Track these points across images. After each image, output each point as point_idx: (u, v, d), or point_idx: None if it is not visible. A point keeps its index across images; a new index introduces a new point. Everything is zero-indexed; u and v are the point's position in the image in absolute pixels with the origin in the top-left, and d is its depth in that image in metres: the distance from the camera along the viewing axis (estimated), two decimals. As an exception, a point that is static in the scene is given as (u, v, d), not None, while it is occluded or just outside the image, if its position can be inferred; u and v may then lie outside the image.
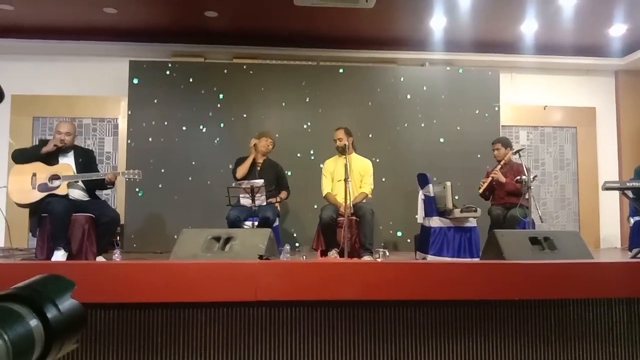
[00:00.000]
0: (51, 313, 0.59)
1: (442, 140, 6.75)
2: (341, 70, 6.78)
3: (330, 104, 6.68)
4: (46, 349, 0.58)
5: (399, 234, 6.55)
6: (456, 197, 4.99)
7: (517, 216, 4.75)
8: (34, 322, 0.57)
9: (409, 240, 6.26)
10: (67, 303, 0.62)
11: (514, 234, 3.38)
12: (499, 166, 5.24)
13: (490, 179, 5.18)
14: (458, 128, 6.76)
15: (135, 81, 6.49)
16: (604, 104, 7.51)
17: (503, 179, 5.10)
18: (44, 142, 4.41)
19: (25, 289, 0.60)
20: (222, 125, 6.57)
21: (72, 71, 6.83)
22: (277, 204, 4.90)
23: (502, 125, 6.97)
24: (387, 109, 6.75)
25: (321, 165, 5.32)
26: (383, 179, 6.32)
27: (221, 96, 6.59)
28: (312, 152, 6.47)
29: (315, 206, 5.56)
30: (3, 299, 0.58)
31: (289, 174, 5.66)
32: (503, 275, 2.67)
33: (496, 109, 6.86)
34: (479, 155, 6.61)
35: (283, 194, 5.05)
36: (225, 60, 6.94)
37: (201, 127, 6.54)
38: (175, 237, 5.64)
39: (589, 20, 6.12)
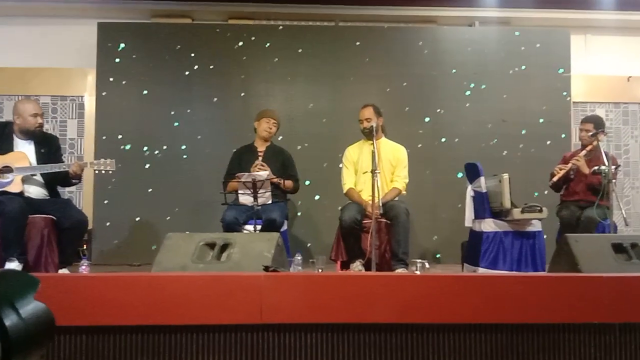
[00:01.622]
0: (10, 319, 0.57)
1: (496, 121, 6.69)
2: (365, 33, 6.75)
3: (353, 77, 6.66)
4: None
5: (441, 240, 6.51)
6: (515, 192, 4.94)
7: (594, 217, 4.69)
8: None
9: (454, 250, 6.21)
10: (31, 307, 0.60)
11: (592, 240, 3.34)
12: (584, 152, 5.16)
13: (570, 165, 5.11)
14: (517, 106, 6.70)
15: (105, 49, 6.52)
16: None
17: (586, 169, 5.02)
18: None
19: None
20: (215, 103, 6.58)
21: (27, 37, 6.88)
22: (281, 184, 4.83)
23: (573, 102, 6.89)
24: (426, 82, 6.70)
25: (339, 155, 5.30)
26: (420, 171, 6.28)
27: (212, 67, 6.60)
28: (329, 137, 6.46)
29: (335, 206, 5.55)
30: None
31: (301, 165, 5.65)
32: (578, 293, 2.64)
33: (566, 81, 6.77)
34: (543, 141, 6.54)
35: (288, 183, 4.99)
36: (218, 20, 6.94)
37: (188, 107, 6.56)
38: (154, 247, 5.67)
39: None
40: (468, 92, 6.72)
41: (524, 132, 6.65)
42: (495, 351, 2.60)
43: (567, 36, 6.87)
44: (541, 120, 6.62)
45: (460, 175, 6.16)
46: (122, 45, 6.54)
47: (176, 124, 6.54)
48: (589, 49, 7.31)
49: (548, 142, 6.47)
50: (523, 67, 6.76)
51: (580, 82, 7.10)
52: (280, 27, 6.84)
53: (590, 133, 5.16)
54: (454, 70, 6.73)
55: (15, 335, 0.57)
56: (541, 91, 6.74)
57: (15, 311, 0.58)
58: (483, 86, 6.73)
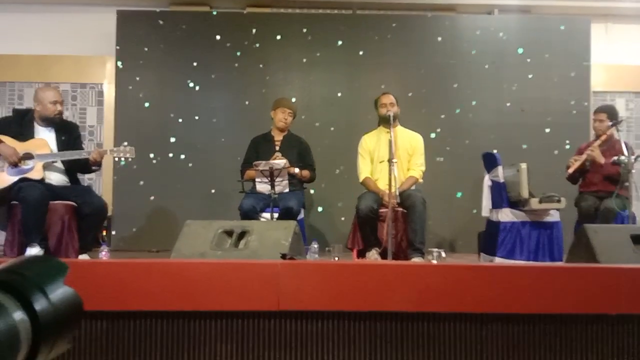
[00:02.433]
0: (40, 304, 0.58)
1: (514, 110, 6.64)
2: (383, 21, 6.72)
3: (370, 65, 6.64)
4: (34, 349, 0.57)
5: (457, 230, 6.50)
6: (533, 182, 4.91)
7: (613, 208, 4.66)
8: (18, 315, 0.56)
9: (470, 240, 6.20)
10: (59, 291, 0.61)
11: (610, 231, 3.32)
12: (598, 142, 5.12)
13: (584, 156, 5.08)
14: (536, 95, 6.64)
15: (125, 37, 6.56)
16: None
17: (602, 159, 5.00)
18: (19, 113, 4.49)
19: (7, 272, 0.59)
20: (233, 91, 6.60)
21: (46, 25, 6.93)
22: (298, 174, 4.85)
23: (593, 91, 6.81)
24: (444, 70, 6.67)
25: (356, 144, 5.29)
26: (438, 160, 6.27)
27: (230, 55, 6.61)
28: (346, 125, 6.45)
29: (351, 194, 5.56)
30: None
31: (317, 153, 5.66)
32: (596, 283, 2.63)
33: (586, 69, 6.70)
34: (562, 131, 6.48)
35: (305, 173, 5.01)
36: (236, 9, 6.95)
37: (207, 94, 6.58)
38: (173, 234, 5.72)
39: None
40: (486, 81, 6.67)
41: (543, 121, 6.60)
42: (511, 341, 2.60)
43: (588, 24, 6.78)
44: (561, 110, 6.56)
45: (459, 194, 6.17)
46: (141, 32, 6.56)
47: (194, 111, 6.57)
48: (609, 38, 7.22)
49: (567, 132, 6.42)
50: (543, 56, 6.69)
51: (600, 71, 7.01)
52: (298, 15, 6.83)
53: (608, 123, 5.12)
54: (472, 59, 6.68)
55: (44, 319, 0.57)
56: (561, 80, 6.67)
57: (44, 295, 0.58)
58: (501, 75, 6.68)
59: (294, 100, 5.95)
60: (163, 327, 2.58)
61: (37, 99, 4.52)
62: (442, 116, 6.61)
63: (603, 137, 5.13)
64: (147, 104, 6.55)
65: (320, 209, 6.46)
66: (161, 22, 6.64)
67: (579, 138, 5.98)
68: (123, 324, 2.61)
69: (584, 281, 2.65)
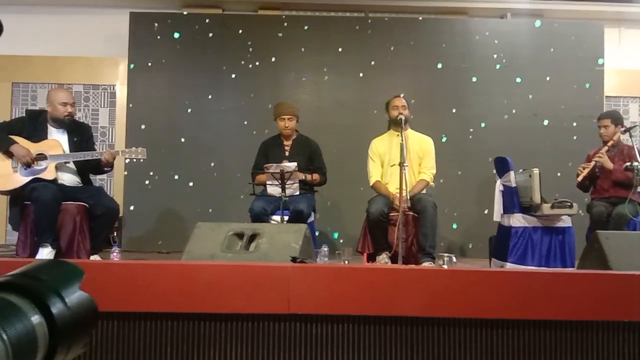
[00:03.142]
0: (56, 307, 0.59)
1: (526, 114, 6.62)
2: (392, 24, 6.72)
3: (382, 68, 6.64)
4: (51, 352, 0.58)
5: (468, 234, 6.48)
6: (545, 187, 4.90)
7: (625, 214, 4.63)
8: (36, 319, 0.57)
9: (481, 245, 6.18)
10: (75, 296, 0.62)
11: (623, 237, 3.30)
12: (606, 148, 5.11)
13: (593, 164, 5.07)
14: (548, 99, 6.62)
15: (137, 39, 6.60)
16: None
17: (610, 165, 4.98)
18: (33, 114, 4.52)
19: (24, 277, 0.61)
20: (245, 94, 6.62)
21: (60, 26, 6.98)
22: (307, 179, 4.83)
23: (606, 96, 6.78)
24: (456, 74, 6.66)
25: (367, 146, 5.28)
26: (449, 164, 6.25)
27: (242, 57, 6.63)
28: (357, 127, 6.45)
29: (361, 197, 5.56)
30: None
31: (328, 156, 5.66)
32: (609, 290, 2.62)
33: (599, 74, 6.67)
34: (575, 136, 6.46)
35: (315, 176, 4.98)
36: (248, 11, 6.97)
37: (218, 96, 6.61)
38: (183, 236, 5.73)
39: None
40: (498, 85, 6.65)
41: (555, 126, 6.57)
42: (522, 347, 2.59)
43: (601, 29, 6.75)
44: (573, 115, 6.53)
45: (488, 210, 6.14)
46: (153, 34, 6.60)
47: (206, 112, 6.60)
48: (622, 43, 7.19)
49: (580, 137, 6.39)
50: (555, 60, 6.66)
51: (613, 76, 6.98)
52: (310, 18, 6.84)
53: (614, 128, 5.12)
54: (484, 63, 6.67)
55: (61, 322, 0.58)
56: (573, 85, 6.65)
57: (61, 299, 0.59)
58: (513, 79, 6.66)
59: (303, 101, 5.96)
60: (173, 329, 2.60)
61: (48, 99, 4.57)
62: (454, 120, 6.60)
63: (610, 143, 5.12)
64: (159, 105, 6.58)
65: (329, 211, 6.45)
66: (173, 24, 6.67)
67: (591, 143, 5.94)
68: (134, 325, 2.63)
69: (595, 288, 2.64)
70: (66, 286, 0.62)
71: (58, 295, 0.60)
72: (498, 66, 6.67)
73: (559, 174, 6.08)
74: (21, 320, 0.56)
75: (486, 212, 5.87)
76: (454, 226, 6.48)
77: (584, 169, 5.13)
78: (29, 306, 0.57)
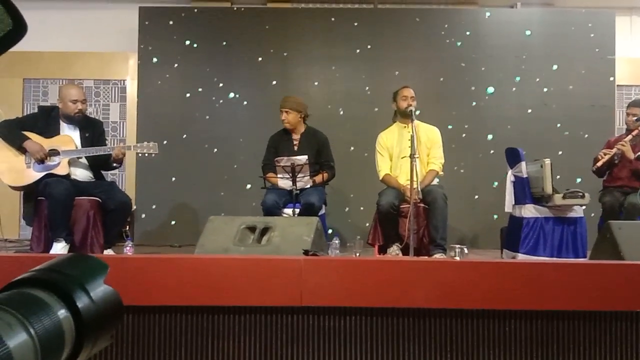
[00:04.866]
0: (82, 302, 0.60)
1: (537, 104, 6.59)
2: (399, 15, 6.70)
3: (392, 59, 6.62)
4: (77, 346, 0.59)
5: (480, 225, 6.48)
6: (557, 177, 4.89)
7: (638, 204, 4.61)
8: (62, 313, 0.58)
9: (492, 236, 6.17)
10: (100, 290, 0.63)
11: (636, 227, 3.30)
12: (629, 137, 5.07)
13: (614, 151, 5.03)
14: (559, 88, 6.58)
15: (147, 33, 6.62)
16: None
17: (632, 155, 4.95)
18: (45, 110, 4.56)
19: (49, 271, 0.62)
20: (255, 88, 6.63)
21: (70, 22, 7.01)
22: (318, 182, 4.82)
23: (617, 85, 6.74)
24: (466, 65, 6.63)
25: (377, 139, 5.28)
26: (460, 155, 6.24)
27: (251, 50, 6.63)
28: (366, 120, 6.45)
29: (372, 189, 5.56)
30: (22, 284, 0.59)
31: (337, 149, 5.66)
32: (621, 281, 2.62)
33: (611, 63, 6.63)
34: (586, 126, 6.42)
35: (319, 178, 4.87)
36: (257, 4, 6.97)
37: (229, 90, 6.62)
38: (195, 230, 5.75)
39: None
40: (509, 75, 6.62)
41: (566, 116, 6.54)
42: (534, 338, 2.60)
43: (612, 17, 6.70)
44: (584, 104, 6.49)
45: (495, 184, 6.15)
46: (163, 28, 6.60)
47: (217, 106, 6.62)
48: (634, 31, 7.13)
49: (591, 127, 6.35)
50: (566, 49, 6.62)
51: (625, 65, 6.93)
52: (319, 10, 6.84)
53: (637, 118, 5.06)
54: (495, 53, 6.63)
55: (87, 316, 0.59)
56: (585, 74, 6.60)
57: (86, 293, 0.60)
58: (524, 68, 6.63)
59: (313, 94, 5.96)
60: (188, 322, 2.62)
61: (60, 95, 4.61)
62: (464, 110, 6.58)
63: (635, 132, 5.07)
64: (170, 99, 6.61)
65: (340, 204, 6.46)
66: (183, 18, 6.68)
67: (603, 132, 5.91)
68: (148, 319, 2.66)
69: (608, 278, 2.64)
70: (91, 280, 0.63)
71: (83, 290, 0.61)
72: (508, 57, 6.64)
73: (570, 164, 6.04)
74: (48, 315, 0.57)
75: (498, 203, 5.85)
76: (466, 217, 6.46)
77: (604, 154, 5.10)
78: (55, 301, 0.58)
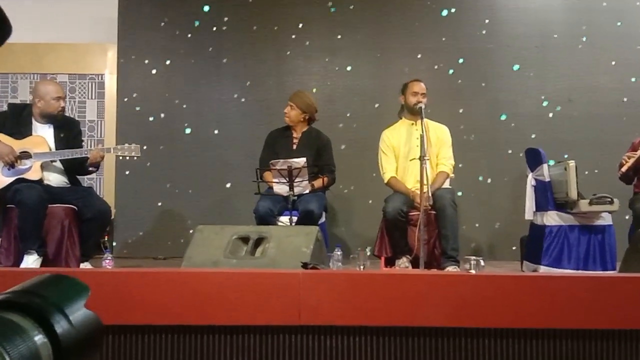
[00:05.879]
0: (61, 326, 0.61)
1: (561, 100, 6.59)
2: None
3: (399, 51, 6.62)
4: None
5: (497, 234, 6.47)
6: (582, 180, 4.88)
7: (672, 210, 4.62)
8: (39, 339, 0.59)
9: (514, 248, 6.17)
10: (80, 313, 0.64)
11: (670, 236, 3.29)
12: None
13: (639, 153, 5.04)
14: (585, 83, 6.58)
15: (127, 23, 6.61)
16: None
17: None
18: (16, 108, 4.56)
19: (25, 293, 0.63)
20: (245, 81, 6.62)
21: (41, 10, 6.98)
22: (314, 188, 4.80)
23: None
24: (482, 56, 6.62)
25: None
26: (474, 156, 6.24)
27: (242, 41, 6.63)
28: (371, 117, 6.45)
29: (378, 194, 5.57)
30: None
31: (340, 149, 5.67)
32: (654, 295, 2.62)
33: (641, 54, 6.64)
34: (615, 124, 6.41)
35: (318, 183, 4.83)
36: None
37: (217, 84, 6.61)
38: (182, 240, 5.74)
39: None
40: (529, 68, 6.62)
41: (592, 112, 6.52)
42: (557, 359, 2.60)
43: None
44: (613, 100, 6.47)
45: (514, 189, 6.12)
46: (146, 16, 6.59)
47: (205, 103, 6.60)
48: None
49: (621, 125, 6.32)
50: (592, 40, 6.61)
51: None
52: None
53: None
54: (513, 44, 6.62)
55: (66, 342, 0.59)
56: (612, 66, 6.59)
57: (65, 317, 0.61)
58: (546, 61, 6.62)
59: (313, 90, 5.96)
60: (173, 343, 2.62)
61: (38, 94, 4.56)
62: (480, 107, 6.55)
63: None
64: (153, 96, 6.58)
65: (343, 211, 6.46)
66: (166, 7, 6.66)
67: (632, 131, 5.91)
68: (130, 339, 2.66)
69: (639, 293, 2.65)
70: (71, 303, 0.63)
71: (62, 314, 0.62)
72: (529, 48, 6.63)
73: (597, 166, 6.04)
74: (24, 340, 0.57)
75: (518, 209, 5.85)
76: (482, 225, 6.45)
77: (629, 158, 5.10)
78: (31, 325, 0.59)
